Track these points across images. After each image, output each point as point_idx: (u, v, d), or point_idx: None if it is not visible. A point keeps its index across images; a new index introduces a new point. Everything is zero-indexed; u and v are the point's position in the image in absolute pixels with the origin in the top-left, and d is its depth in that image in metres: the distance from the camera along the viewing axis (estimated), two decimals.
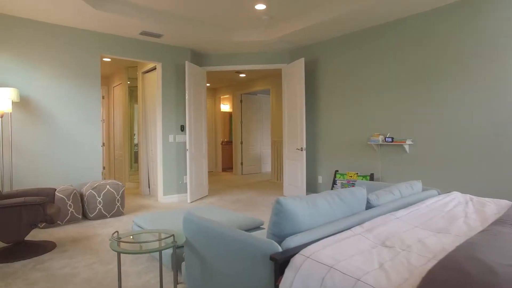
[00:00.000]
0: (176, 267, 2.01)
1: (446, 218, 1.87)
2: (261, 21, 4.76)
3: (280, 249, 1.41)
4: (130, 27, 4.54)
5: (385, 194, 2.30)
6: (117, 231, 2.01)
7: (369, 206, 2.15)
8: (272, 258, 1.35)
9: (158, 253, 2.52)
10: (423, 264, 1.22)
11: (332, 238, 1.50)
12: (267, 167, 9.53)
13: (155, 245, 1.89)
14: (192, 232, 1.90)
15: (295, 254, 1.37)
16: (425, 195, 2.54)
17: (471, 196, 2.43)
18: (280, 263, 1.34)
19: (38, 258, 2.93)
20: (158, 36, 4.92)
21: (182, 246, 2.36)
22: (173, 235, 1.85)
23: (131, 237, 2.05)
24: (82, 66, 4.56)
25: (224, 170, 9.70)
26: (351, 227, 1.72)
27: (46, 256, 2.99)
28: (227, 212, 3.17)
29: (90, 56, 4.62)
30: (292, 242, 1.45)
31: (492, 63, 3.48)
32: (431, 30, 3.98)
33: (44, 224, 3.85)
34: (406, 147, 4.20)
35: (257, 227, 2.93)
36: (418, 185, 2.66)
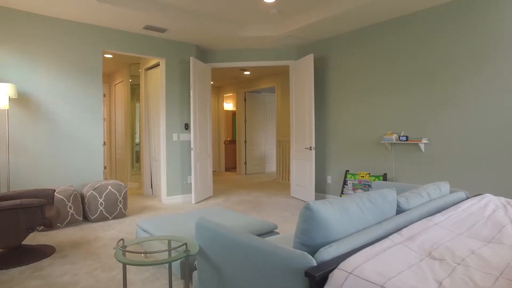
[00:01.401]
0: (187, 277, 1.82)
1: (490, 225, 1.68)
2: (269, 15, 4.56)
3: (314, 263, 1.21)
4: (134, 21, 4.34)
5: (414, 196, 2.11)
6: (122, 239, 1.81)
7: (399, 210, 1.96)
8: (307, 273, 1.15)
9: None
10: (491, 284, 1.03)
11: (371, 249, 1.30)
12: (272, 167, 9.33)
13: (166, 254, 1.70)
14: (207, 240, 1.70)
15: (333, 268, 1.17)
16: (453, 198, 2.35)
17: (506, 199, 2.23)
18: (317, 280, 1.14)
19: (36, 265, 2.73)
20: (162, 30, 4.72)
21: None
22: (185, 244, 1.66)
23: (138, 245, 1.86)
24: (84, 61, 4.36)
25: (227, 169, 9.50)
26: (388, 235, 1.52)
27: (44, 262, 2.80)
28: (237, 215, 2.98)
29: (92, 52, 4.42)
30: (327, 253, 1.26)
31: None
32: (448, 25, 3.77)
33: (42, 227, 3.66)
34: (422, 146, 4.00)
35: (271, 231, 2.73)
36: (445, 186, 2.47)
